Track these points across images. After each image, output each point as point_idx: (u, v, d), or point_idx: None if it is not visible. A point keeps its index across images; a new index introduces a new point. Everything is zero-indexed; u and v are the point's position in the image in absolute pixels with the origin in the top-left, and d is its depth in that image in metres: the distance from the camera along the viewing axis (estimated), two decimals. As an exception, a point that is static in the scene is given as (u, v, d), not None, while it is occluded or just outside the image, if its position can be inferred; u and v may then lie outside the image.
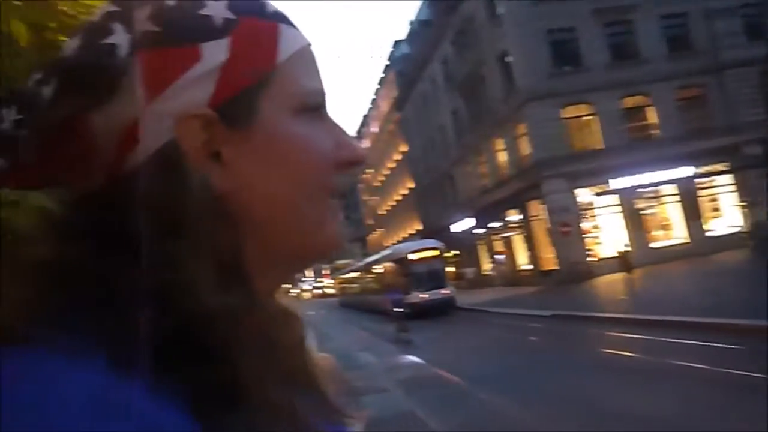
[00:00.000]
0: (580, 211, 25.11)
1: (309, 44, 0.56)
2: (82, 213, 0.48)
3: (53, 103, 0.47)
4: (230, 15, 0.50)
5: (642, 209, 25.53)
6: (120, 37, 0.47)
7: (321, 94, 0.55)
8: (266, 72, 0.51)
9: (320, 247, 0.56)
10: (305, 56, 0.55)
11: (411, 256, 25.24)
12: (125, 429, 0.37)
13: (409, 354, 14.09)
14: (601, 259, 24.68)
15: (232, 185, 0.49)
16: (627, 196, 25.05)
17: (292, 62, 0.53)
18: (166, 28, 0.47)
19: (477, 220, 32.52)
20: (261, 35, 0.51)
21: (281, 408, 0.47)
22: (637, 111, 26.03)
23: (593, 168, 24.35)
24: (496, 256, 31.97)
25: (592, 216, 25.70)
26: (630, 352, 9.42)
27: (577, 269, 23.31)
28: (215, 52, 0.48)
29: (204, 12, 0.49)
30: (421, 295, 23.58)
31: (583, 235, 24.88)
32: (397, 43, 52.58)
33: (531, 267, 27.93)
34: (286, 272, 0.58)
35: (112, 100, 0.46)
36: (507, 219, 29.58)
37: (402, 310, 17.26)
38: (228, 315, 0.45)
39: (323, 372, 0.59)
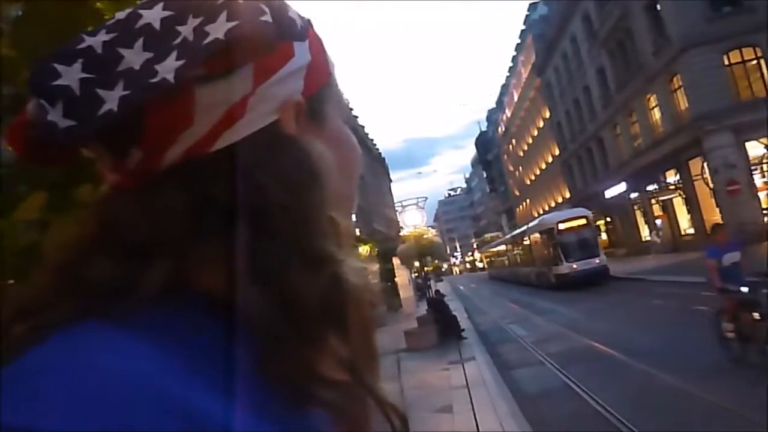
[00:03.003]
0: (751, 167, 22.69)
1: None
2: (170, 188, 0.48)
3: (152, 68, 0.46)
4: (303, 22, 0.56)
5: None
6: (269, 18, 0.51)
7: (347, 107, 0.63)
8: (329, 78, 0.58)
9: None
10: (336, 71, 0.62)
11: (559, 226, 24.39)
12: (165, 427, 0.37)
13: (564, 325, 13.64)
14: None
15: None
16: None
17: (335, 74, 0.60)
18: (275, 22, 0.51)
19: (630, 183, 30.59)
20: (320, 43, 0.58)
21: (370, 391, 0.51)
22: (816, 49, 22.87)
23: (764, 117, 21.81)
24: (656, 221, 29.90)
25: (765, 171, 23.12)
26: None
27: (748, 230, 21.15)
28: (303, 52, 0.54)
29: (291, 15, 0.54)
30: (571, 266, 22.78)
31: (756, 193, 22.46)
32: (532, 5, 50.53)
33: (693, 231, 25.83)
34: None
35: (229, 75, 0.48)
36: (665, 180, 27.52)
37: (746, 289, 7.22)
38: (360, 284, 0.51)
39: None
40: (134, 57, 0.47)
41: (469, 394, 8.32)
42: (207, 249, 0.47)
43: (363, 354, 0.52)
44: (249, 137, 0.49)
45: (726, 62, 23.30)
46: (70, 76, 0.46)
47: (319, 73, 0.56)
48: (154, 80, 0.46)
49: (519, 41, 56.24)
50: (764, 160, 23.00)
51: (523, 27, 53.53)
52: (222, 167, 0.47)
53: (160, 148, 0.47)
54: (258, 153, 0.49)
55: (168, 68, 0.46)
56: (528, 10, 51.69)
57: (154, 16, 0.49)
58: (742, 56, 23.41)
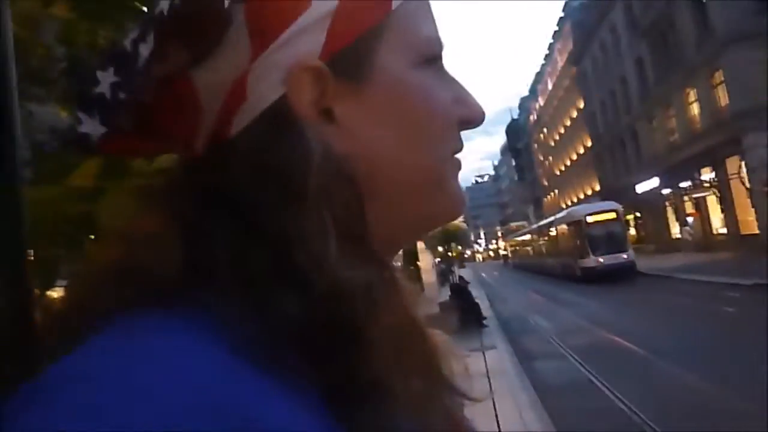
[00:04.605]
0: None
1: None
2: (190, 183, 0.44)
3: (151, 61, 0.42)
4: None
5: None
6: None
7: (439, 43, 0.49)
8: (380, 18, 0.45)
9: (446, 211, 0.52)
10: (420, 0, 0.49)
11: (587, 219, 24.07)
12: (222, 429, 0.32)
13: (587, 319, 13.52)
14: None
15: (347, 147, 0.44)
16: None
17: (406, 7, 0.46)
18: None
19: (664, 179, 30.00)
20: None
21: (419, 398, 0.42)
22: None
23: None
24: (687, 219, 29.36)
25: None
26: None
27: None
28: None
29: None
30: (598, 260, 22.51)
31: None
32: (573, -8, 49.54)
33: (726, 230, 25.29)
34: (405, 240, 0.52)
35: (216, 53, 0.42)
36: (699, 178, 26.92)
37: None
38: (365, 292, 0.40)
39: (445, 350, 0.50)
40: (145, 51, 0.42)
41: (489, 382, 8.29)
42: (222, 242, 0.40)
43: (404, 379, 0.41)
44: (256, 120, 0.43)
45: (771, 58, 22.59)
46: (105, 82, 0.43)
47: (359, 13, 0.44)
48: (139, 78, 0.42)
49: (557, 28, 55.29)
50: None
51: (562, 14, 52.58)
52: (224, 157, 0.43)
53: (185, 139, 0.45)
54: (256, 140, 0.42)
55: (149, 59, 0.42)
56: (568, -3, 50.74)
57: (165, 2, 0.42)
58: (788, 53, 22.66)
